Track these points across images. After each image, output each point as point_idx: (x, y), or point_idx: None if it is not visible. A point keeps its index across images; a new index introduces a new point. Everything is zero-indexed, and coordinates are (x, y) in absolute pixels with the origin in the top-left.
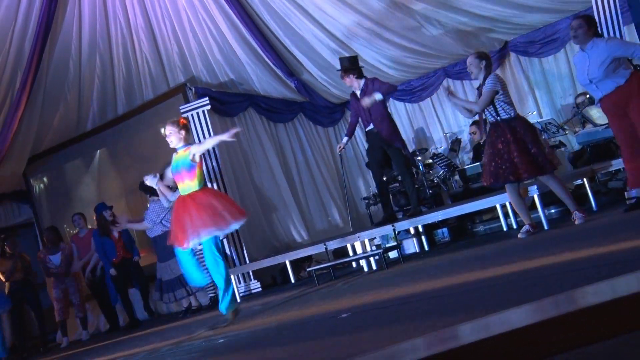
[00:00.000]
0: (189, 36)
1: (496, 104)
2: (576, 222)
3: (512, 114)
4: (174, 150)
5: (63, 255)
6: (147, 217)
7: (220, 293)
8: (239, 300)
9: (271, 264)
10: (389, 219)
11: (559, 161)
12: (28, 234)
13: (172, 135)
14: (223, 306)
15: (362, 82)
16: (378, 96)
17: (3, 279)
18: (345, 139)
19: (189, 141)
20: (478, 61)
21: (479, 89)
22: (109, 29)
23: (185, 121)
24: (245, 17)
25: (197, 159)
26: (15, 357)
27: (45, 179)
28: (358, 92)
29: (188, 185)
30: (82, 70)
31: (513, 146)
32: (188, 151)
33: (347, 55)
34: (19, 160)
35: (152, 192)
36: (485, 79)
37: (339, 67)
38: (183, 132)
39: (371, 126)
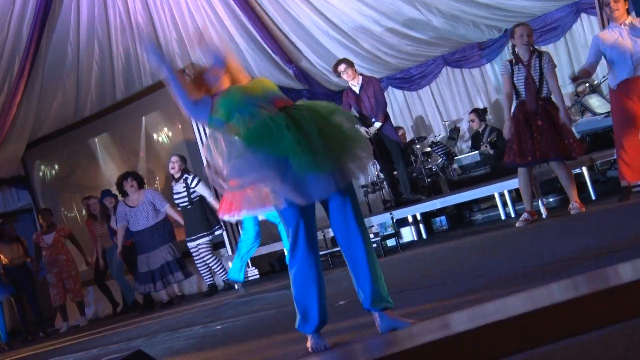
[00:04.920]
0: (187, 22)
1: (543, 82)
2: (571, 213)
3: (549, 94)
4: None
5: (57, 235)
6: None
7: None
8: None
9: (269, 251)
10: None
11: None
12: (27, 220)
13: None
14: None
15: (360, 78)
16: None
17: (4, 262)
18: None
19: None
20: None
21: (520, 62)
22: (108, 15)
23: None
24: (244, 3)
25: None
26: (17, 342)
27: (44, 165)
28: (357, 88)
29: None
30: (80, 56)
31: (559, 123)
32: None
33: (345, 42)
34: (17, 145)
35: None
36: (532, 53)
37: (337, 54)
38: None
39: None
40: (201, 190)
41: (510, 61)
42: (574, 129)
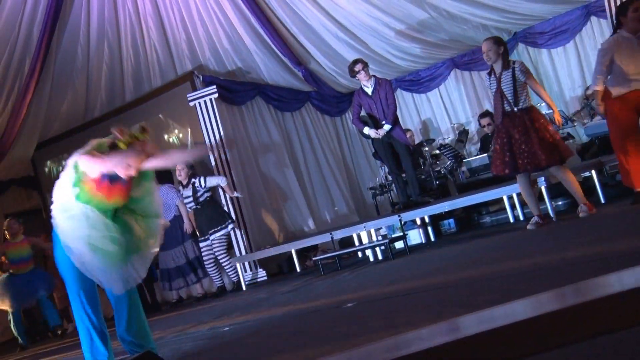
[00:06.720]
0: (197, 24)
1: (519, 92)
2: (580, 215)
3: (528, 104)
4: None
5: None
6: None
7: None
8: None
9: (277, 253)
10: (408, 204)
11: (572, 152)
12: (36, 220)
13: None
14: None
15: (373, 79)
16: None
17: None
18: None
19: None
20: (496, 47)
21: (493, 74)
22: (118, 16)
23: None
24: (253, 5)
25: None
26: (29, 340)
27: (53, 166)
28: (369, 90)
29: None
30: (90, 57)
31: (534, 134)
32: None
33: (354, 44)
34: (27, 146)
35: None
36: (504, 65)
37: (346, 56)
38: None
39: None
40: (213, 182)
41: (488, 73)
42: (583, 132)
